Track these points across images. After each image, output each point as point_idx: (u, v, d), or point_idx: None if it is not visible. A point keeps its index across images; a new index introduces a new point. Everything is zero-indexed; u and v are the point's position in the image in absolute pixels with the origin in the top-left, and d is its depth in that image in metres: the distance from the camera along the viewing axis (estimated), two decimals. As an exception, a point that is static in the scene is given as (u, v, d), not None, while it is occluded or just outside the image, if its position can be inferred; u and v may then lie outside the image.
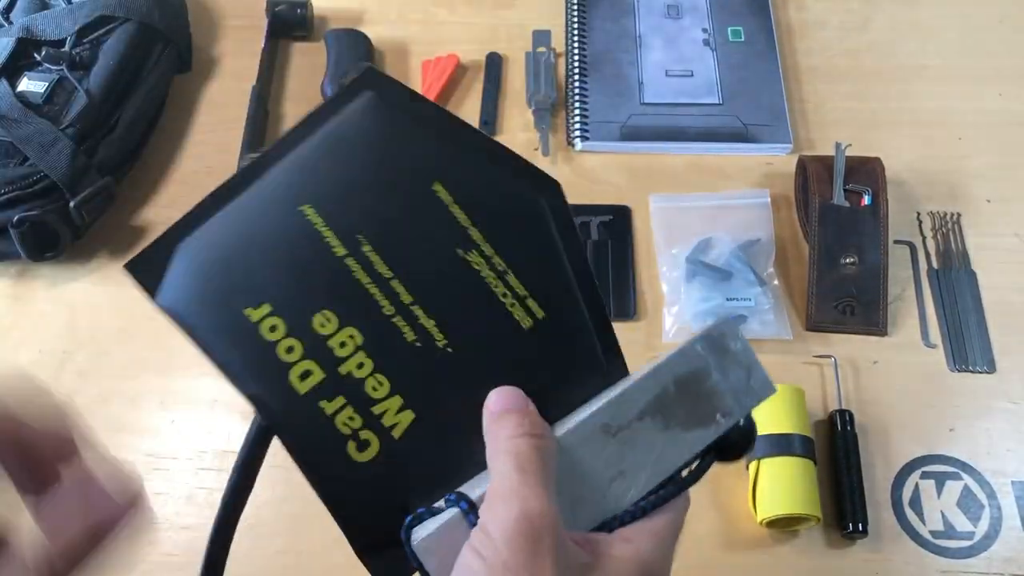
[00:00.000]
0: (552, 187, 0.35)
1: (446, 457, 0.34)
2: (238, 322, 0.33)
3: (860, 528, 0.60)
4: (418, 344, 0.34)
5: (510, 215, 0.35)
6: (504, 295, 0.34)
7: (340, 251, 0.34)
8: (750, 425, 0.36)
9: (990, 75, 0.83)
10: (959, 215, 0.75)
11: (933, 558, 0.60)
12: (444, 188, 0.34)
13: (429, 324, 0.34)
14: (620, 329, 0.73)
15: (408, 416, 0.34)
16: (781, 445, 0.60)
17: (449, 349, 0.34)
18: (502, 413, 0.33)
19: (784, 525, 0.60)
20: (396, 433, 0.33)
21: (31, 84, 0.71)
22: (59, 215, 0.68)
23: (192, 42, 0.82)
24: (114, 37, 0.74)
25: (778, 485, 0.59)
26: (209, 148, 0.79)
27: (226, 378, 0.33)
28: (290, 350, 0.33)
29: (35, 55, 0.72)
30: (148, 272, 0.34)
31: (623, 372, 0.36)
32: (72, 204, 0.68)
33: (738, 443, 0.36)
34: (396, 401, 0.33)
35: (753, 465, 0.61)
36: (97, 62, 0.72)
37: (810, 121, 0.81)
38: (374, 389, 0.33)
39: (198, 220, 0.34)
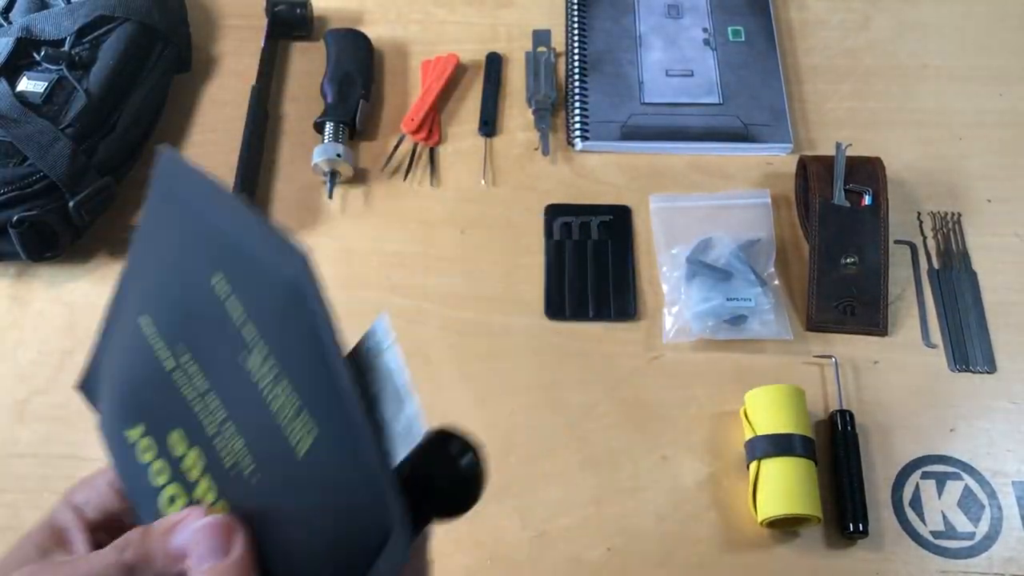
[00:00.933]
0: (298, 257, 0.25)
1: None
2: (123, 444, 0.31)
3: (860, 528, 0.60)
4: (232, 472, 0.28)
5: (272, 297, 0.26)
6: (280, 410, 0.26)
7: (169, 364, 0.29)
8: (461, 461, 0.26)
9: (990, 75, 0.83)
10: (959, 215, 0.75)
11: (933, 558, 0.60)
12: (224, 278, 0.27)
13: (239, 445, 0.27)
14: (620, 329, 0.72)
15: None
16: (782, 445, 0.60)
17: (256, 476, 0.27)
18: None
19: (784, 525, 0.60)
20: None
21: (30, 84, 0.71)
22: (59, 215, 0.68)
23: (192, 42, 0.82)
24: (113, 37, 0.74)
25: (778, 485, 0.59)
26: (209, 148, 0.79)
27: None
28: (160, 472, 0.30)
29: (34, 55, 0.72)
30: (92, 394, 0.34)
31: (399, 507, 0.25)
32: (72, 204, 0.68)
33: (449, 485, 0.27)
34: None
35: (754, 465, 0.61)
36: (97, 62, 0.72)
37: (810, 121, 0.81)
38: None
39: (106, 336, 0.33)
